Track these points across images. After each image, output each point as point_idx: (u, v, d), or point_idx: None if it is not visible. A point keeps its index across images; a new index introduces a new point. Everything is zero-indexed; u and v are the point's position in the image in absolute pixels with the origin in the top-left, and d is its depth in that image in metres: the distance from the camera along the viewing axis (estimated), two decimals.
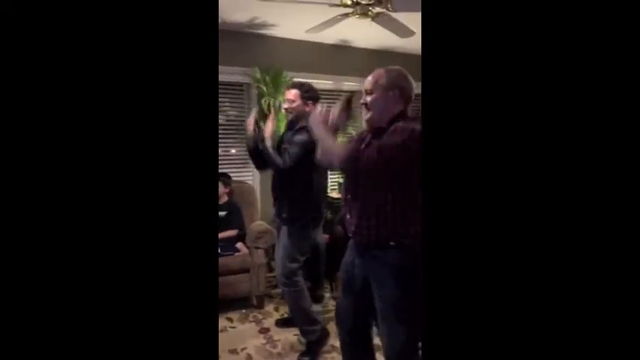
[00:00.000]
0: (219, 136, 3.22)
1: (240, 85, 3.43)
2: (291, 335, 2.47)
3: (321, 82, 3.65)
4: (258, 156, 2.17)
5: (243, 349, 2.34)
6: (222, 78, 3.05)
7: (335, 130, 1.44)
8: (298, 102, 2.15)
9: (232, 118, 3.48)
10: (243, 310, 2.84)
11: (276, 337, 2.48)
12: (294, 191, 2.14)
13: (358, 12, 2.33)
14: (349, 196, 1.44)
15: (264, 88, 3.25)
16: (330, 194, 3.25)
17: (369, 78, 1.42)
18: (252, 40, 3.34)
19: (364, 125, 1.49)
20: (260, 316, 2.77)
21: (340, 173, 1.49)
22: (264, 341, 2.44)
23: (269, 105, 3.26)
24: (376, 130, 1.41)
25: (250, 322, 2.70)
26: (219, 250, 2.77)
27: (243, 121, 3.46)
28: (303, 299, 2.21)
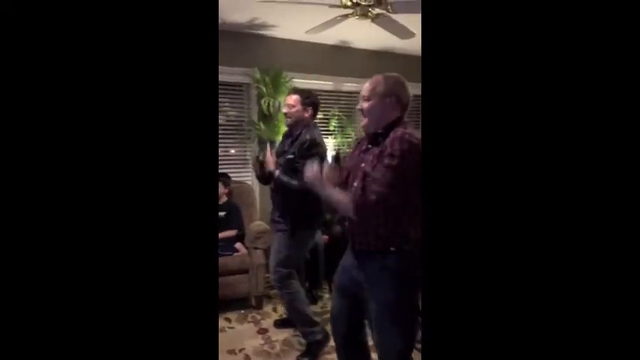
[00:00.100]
0: (219, 136, 3.22)
1: (240, 85, 3.43)
2: (289, 336, 2.47)
3: (320, 83, 3.66)
4: (271, 182, 2.24)
5: (241, 350, 2.34)
6: (221, 78, 3.05)
7: (331, 183, 1.43)
8: (298, 107, 2.16)
9: (232, 118, 3.48)
10: (242, 311, 2.84)
11: (274, 338, 2.48)
12: (291, 200, 2.14)
13: (358, 13, 2.33)
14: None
15: (264, 89, 3.26)
16: None
17: (367, 85, 1.43)
18: (251, 41, 3.34)
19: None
20: (259, 317, 2.77)
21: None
22: (262, 342, 2.44)
23: (268, 105, 3.26)
24: (373, 135, 1.42)
25: (249, 322, 2.70)
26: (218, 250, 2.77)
27: (243, 121, 3.47)
28: (298, 301, 2.22)
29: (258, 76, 3.26)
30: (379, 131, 1.39)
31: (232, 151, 3.52)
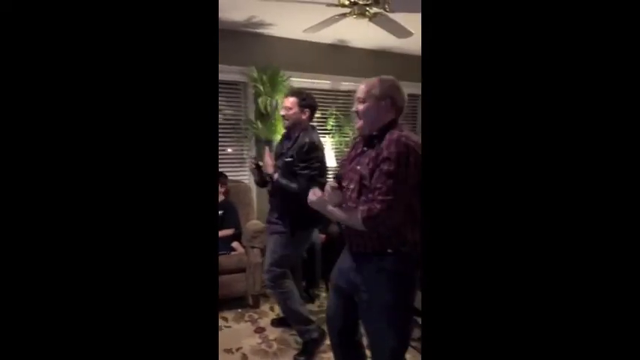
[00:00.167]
0: None
1: (237, 84, 3.42)
2: (286, 335, 2.47)
3: (318, 82, 3.66)
4: (269, 185, 2.25)
5: (238, 349, 2.34)
6: (219, 77, 3.04)
7: (334, 205, 1.43)
8: (295, 109, 2.16)
9: (229, 117, 3.47)
10: (239, 310, 2.83)
11: (271, 337, 2.48)
12: (290, 202, 2.14)
13: (356, 12, 2.33)
14: (344, 205, 1.44)
15: (261, 88, 3.25)
16: None
17: (362, 87, 1.43)
18: (249, 39, 3.33)
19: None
20: (256, 316, 2.77)
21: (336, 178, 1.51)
22: (259, 341, 2.44)
23: (266, 104, 3.26)
24: (368, 138, 1.42)
25: (246, 321, 2.70)
26: None
27: (240, 120, 3.46)
28: (292, 301, 2.22)
29: (255, 74, 3.26)
30: (374, 133, 1.40)
31: (229, 150, 3.51)
